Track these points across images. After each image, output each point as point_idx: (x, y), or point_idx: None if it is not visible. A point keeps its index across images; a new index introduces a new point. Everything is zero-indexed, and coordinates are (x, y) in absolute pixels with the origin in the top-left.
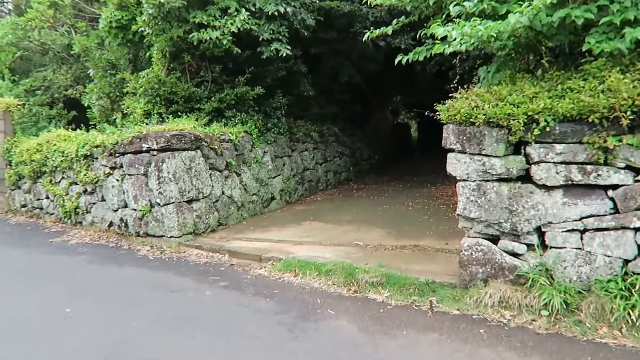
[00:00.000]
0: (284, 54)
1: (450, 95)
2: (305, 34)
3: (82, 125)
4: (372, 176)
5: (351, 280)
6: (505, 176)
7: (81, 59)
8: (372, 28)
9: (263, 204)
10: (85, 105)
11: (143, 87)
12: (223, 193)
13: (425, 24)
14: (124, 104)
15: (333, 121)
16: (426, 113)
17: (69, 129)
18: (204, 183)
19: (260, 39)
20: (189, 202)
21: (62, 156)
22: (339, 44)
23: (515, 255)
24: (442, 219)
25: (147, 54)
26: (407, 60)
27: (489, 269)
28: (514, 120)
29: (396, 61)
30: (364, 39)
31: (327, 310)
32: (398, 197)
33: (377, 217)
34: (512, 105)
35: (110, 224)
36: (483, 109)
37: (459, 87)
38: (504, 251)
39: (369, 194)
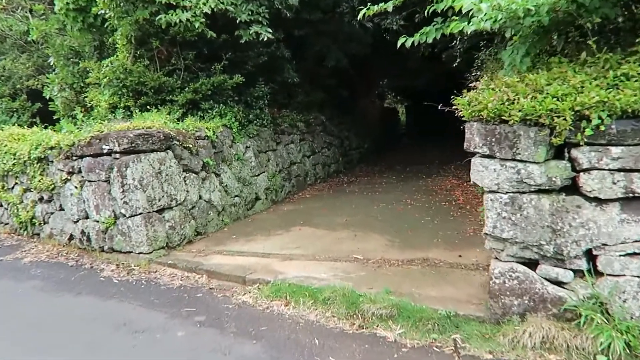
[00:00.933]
0: (265, 38)
1: (461, 82)
2: (288, 14)
3: (49, 118)
4: (363, 167)
5: (355, 312)
6: (547, 187)
7: (42, 46)
8: (365, 5)
9: (247, 206)
10: (47, 97)
11: (107, 77)
12: (200, 198)
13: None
14: (87, 97)
15: (320, 109)
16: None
17: (34, 124)
18: (178, 188)
19: (237, 21)
20: (160, 211)
21: (14, 159)
22: (324, 25)
23: (560, 284)
24: (447, 220)
25: (113, 40)
26: (405, 42)
27: (526, 301)
28: (558, 117)
29: (398, 44)
30: (358, 17)
31: (328, 358)
32: (393, 192)
33: (373, 219)
34: (554, 99)
35: (71, 237)
36: (518, 103)
37: (478, 74)
38: (545, 279)
39: (361, 189)
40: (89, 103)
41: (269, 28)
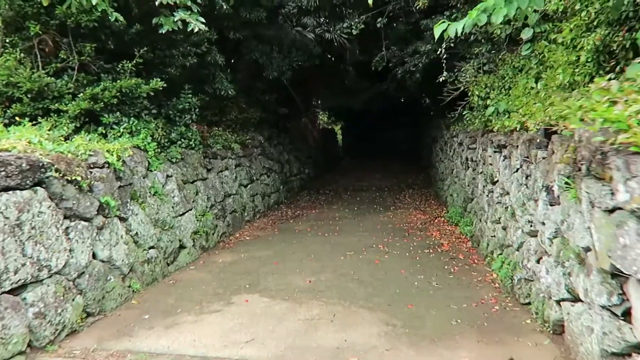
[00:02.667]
0: (196, 29)
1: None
2: (225, 7)
3: None
4: (306, 196)
5: None
6: None
7: None
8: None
9: (167, 260)
10: None
11: None
12: (94, 257)
13: None
14: None
15: (256, 128)
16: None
17: None
18: (53, 248)
19: (157, 3)
20: (17, 290)
21: None
22: (264, 29)
23: None
24: (448, 280)
25: None
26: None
27: None
28: None
29: (436, 33)
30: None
31: None
32: (356, 233)
33: (348, 279)
34: None
35: None
36: None
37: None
38: None
39: (313, 228)
40: None
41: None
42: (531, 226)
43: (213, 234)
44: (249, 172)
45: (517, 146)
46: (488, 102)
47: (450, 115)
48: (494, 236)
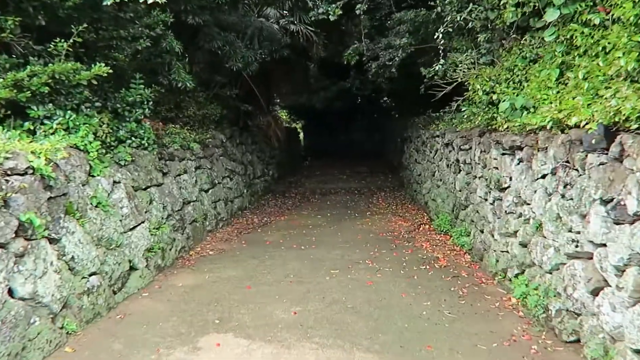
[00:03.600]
0: (150, 0)
1: None
2: None
3: None
4: (271, 200)
5: None
6: None
7: None
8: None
9: (113, 287)
10: None
11: None
12: (11, 295)
13: None
14: None
15: (217, 126)
16: None
17: None
18: None
19: None
20: None
21: None
22: (227, 15)
23: None
24: (459, 306)
25: None
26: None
27: None
28: None
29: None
30: None
31: None
32: (335, 245)
33: (340, 307)
34: None
35: None
36: None
37: None
38: None
39: (285, 238)
40: None
41: None
42: (576, 246)
43: (170, 250)
44: (210, 175)
45: (545, 148)
46: (495, 97)
47: (435, 114)
48: (507, 252)
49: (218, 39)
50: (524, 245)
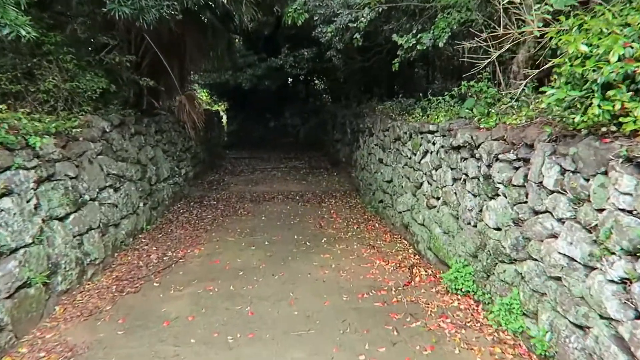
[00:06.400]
0: None
1: None
2: None
3: None
4: (183, 213)
5: None
6: None
7: None
8: None
9: None
10: None
11: None
12: None
13: None
14: None
15: (98, 107)
16: None
17: None
18: None
19: None
20: None
21: None
22: None
23: None
24: None
25: None
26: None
27: None
28: None
29: None
30: None
31: None
32: (288, 328)
33: None
34: None
35: None
36: None
37: None
38: None
39: (199, 307)
40: None
41: None
42: None
43: None
44: (74, 190)
45: None
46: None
47: (419, 101)
48: None
49: None
50: None
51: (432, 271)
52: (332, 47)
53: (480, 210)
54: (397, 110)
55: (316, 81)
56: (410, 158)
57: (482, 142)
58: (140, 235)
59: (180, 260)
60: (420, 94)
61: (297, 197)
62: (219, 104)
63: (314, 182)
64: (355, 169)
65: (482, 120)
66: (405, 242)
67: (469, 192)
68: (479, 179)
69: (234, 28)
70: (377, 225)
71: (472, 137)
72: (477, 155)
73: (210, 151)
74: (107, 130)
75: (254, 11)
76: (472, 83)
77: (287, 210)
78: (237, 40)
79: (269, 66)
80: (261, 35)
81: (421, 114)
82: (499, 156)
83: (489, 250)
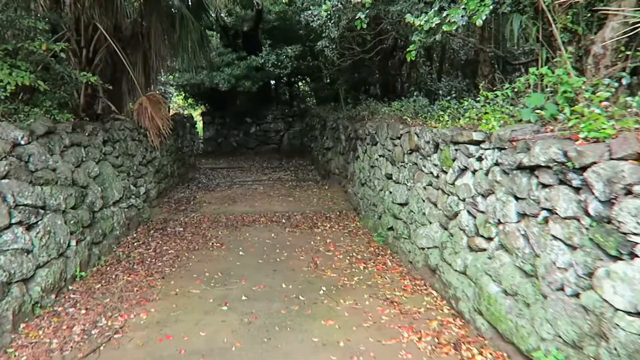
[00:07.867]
0: None
1: None
2: None
3: None
4: (137, 248)
5: None
6: None
7: None
8: None
9: None
10: None
11: None
12: None
13: None
14: None
15: (14, 112)
16: None
17: None
18: None
19: None
20: None
21: None
22: None
23: None
24: None
25: None
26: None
27: None
28: None
29: None
30: None
31: None
32: None
33: None
34: None
35: None
36: None
37: None
38: None
39: None
40: None
41: None
42: None
43: None
44: None
45: None
46: None
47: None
48: None
49: None
50: None
51: (492, 354)
52: (325, 35)
53: (590, 275)
54: (410, 113)
55: (300, 83)
56: (437, 177)
57: (593, 163)
58: (70, 287)
59: (116, 336)
60: (422, 94)
61: (284, 220)
62: (195, 107)
63: (303, 199)
64: (352, 183)
65: (582, 126)
66: (434, 293)
67: (557, 239)
68: (579, 221)
69: (210, 21)
70: (389, 263)
71: (565, 154)
72: (577, 183)
73: (181, 162)
74: (22, 142)
75: (231, 0)
76: (543, 70)
77: (271, 240)
78: (213, 37)
79: (248, 65)
80: (240, 32)
81: (447, 118)
82: (634, 188)
83: (615, 348)
